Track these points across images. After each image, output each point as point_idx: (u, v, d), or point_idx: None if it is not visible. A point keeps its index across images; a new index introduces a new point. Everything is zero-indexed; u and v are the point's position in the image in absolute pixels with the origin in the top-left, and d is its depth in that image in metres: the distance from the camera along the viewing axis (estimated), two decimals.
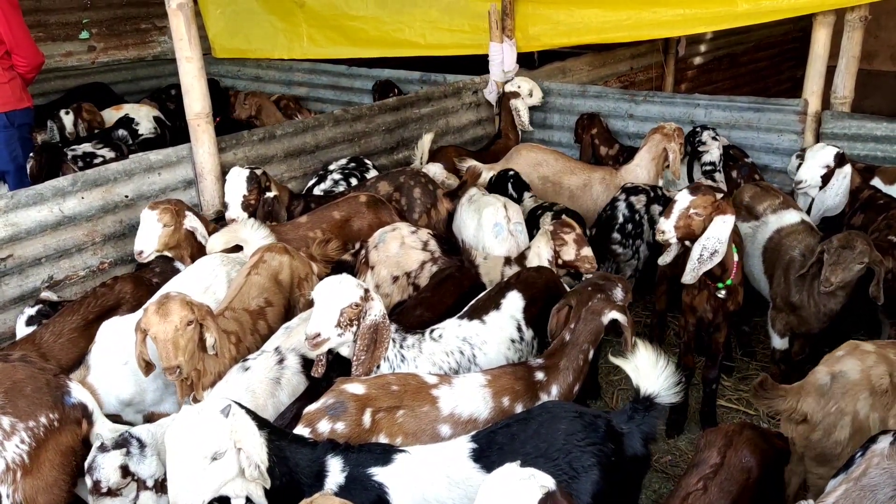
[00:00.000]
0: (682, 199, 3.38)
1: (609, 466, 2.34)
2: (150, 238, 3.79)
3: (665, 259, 3.67)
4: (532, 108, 6.13)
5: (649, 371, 2.50)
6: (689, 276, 3.40)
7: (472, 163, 5.27)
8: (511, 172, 5.09)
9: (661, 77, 7.91)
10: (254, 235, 3.87)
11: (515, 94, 6.00)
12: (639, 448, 2.44)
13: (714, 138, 4.96)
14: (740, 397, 4.22)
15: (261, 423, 2.29)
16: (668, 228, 3.38)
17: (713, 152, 4.95)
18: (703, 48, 8.49)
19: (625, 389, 4.26)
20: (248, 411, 2.30)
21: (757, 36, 8.93)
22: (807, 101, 5.02)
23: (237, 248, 3.94)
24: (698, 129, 5.04)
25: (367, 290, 2.85)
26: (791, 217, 4.09)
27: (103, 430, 2.73)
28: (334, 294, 2.80)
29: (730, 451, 2.35)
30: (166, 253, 3.89)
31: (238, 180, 4.28)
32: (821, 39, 4.95)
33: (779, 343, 3.91)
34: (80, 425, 2.69)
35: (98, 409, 2.77)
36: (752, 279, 4.11)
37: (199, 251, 3.93)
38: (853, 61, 4.98)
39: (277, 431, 2.35)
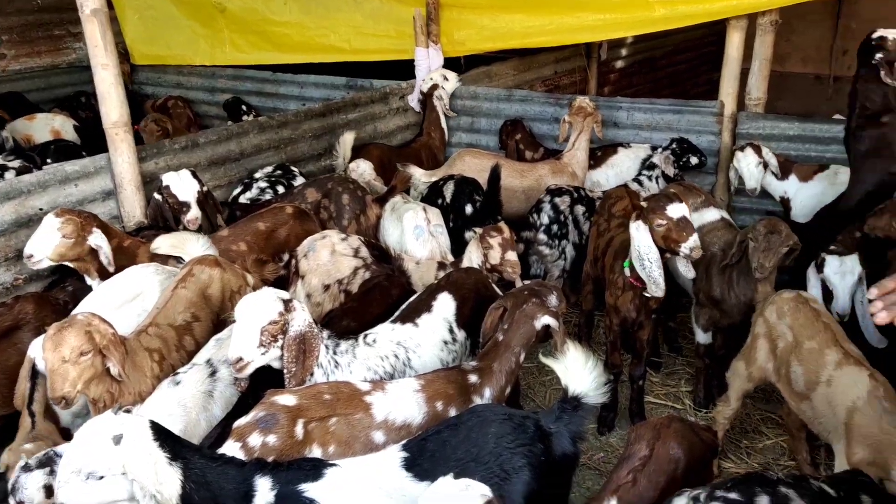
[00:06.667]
0: (685, 209, 3.45)
1: (539, 466, 2.36)
2: (43, 245, 3.60)
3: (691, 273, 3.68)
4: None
5: (578, 371, 2.53)
6: (661, 288, 3.50)
7: (411, 168, 5.26)
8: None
9: (584, 80, 8.07)
10: (200, 252, 3.74)
11: (434, 87, 6.04)
12: (568, 447, 2.47)
13: (666, 155, 5.09)
14: (668, 392, 4.33)
15: (176, 450, 2.20)
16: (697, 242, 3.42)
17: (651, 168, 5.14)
18: (624, 52, 8.70)
19: (557, 389, 4.32)
20: (166, 438, 2.20)
21: (675, 40, 9.20)
22: (723, 103, 5.20)
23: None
24: (672, 142, 5.17)
25: (287, 302, 2.80)
26: (711, 215, 4.24)
27: None
28: (252, 313, 2.74)
29: (658, 443, 2.41)
30: (68, 264, 3.72)
31: (186, 179, 4.14)
32: (734, 43, 5.14)
33: (703, 338, 4.04)
34: None
35: None
36: (676, 276, 4.23)
37: (103, 270, 3.74)
38: (765, 64, 5.18)
39: (201, 454, 2.27)
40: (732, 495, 2.06)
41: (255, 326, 2.73)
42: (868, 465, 2.70)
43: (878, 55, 4.14)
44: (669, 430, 2.44)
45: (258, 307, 2.75)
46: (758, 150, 4.78)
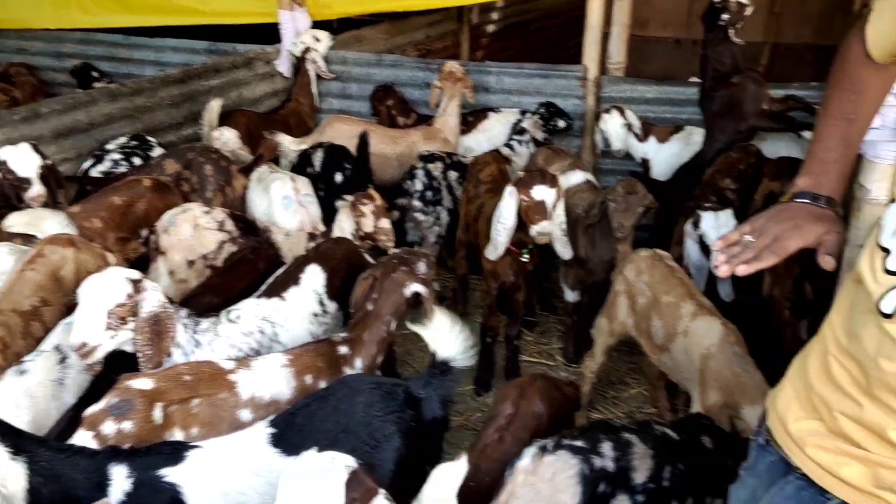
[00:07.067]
0: (549, 195, 3.45)
1: (409, 432, 2.37)
2: None
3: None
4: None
5: (445, 336, 2.55)
6: (496, 253, 3.54)
7: (279, 136, 5.09)
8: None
9: (457, 45, 8.06)
10: (56, 230, 3.45)
11: (307, 50, 5.86)
12: (438, 411, 2.49)
13: (535, 119, 5.13)
14: (541, 350, 4.46)
15: (18, 444, 2.06)
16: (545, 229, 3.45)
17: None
18: (495, 16, 8.74)
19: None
20: (6, 431, 2.06)
21: (545, 4, 9.33)
22: (586, 68, 5.32)
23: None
24: (540, 106, 5.21)
25: (136, 282, 2.66)
26: (577, 177, 4.35)
27: None
28: (97, 295, 2.59)
29: (523, 401, 2.49)
30: None
31: (26, 152, 3.79)
32: (595, 9, 5.24)
33: (571, 296, 4.17)
34: None
35: None
36: None
37: None
38: (624, 29, 5.34)
39: (48, 447, 2.14)
40: (578, 442, 2.15)
41: (100, 309, 2.57)
42: (721, 407, 2.88)
43: (724, 16, 4.36)
44: (533, 387, 2.52)
45: (104, 288, 2.59)
46: (622, 113, 4.94)
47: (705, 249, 3.62)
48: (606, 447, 2.14)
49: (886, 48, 1.43)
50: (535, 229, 3.45)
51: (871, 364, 1.21)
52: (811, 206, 1.63)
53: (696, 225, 3.62)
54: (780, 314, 3.42)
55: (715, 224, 3.59)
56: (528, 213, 3.46)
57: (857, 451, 1.23)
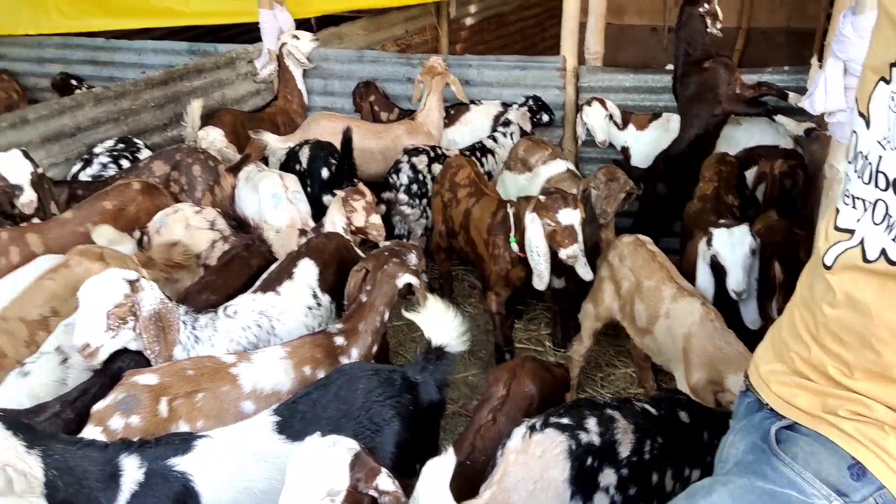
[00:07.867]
0: (576, 217, 3.44)
1: (408, 416, 2.47)
2: None
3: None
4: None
5: (439, 323, 2.65)
6: (545, 283, 3.57)
7: (264, 135, 5.13)
8: None
9: (436, 39, 8.12)
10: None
11: (283, 45, 5.87)
12: (434, 395, 2.59)
13: (524, 111, 5.20)
14: (530, 336, 4.57)
15: (32, 438, 2.11)
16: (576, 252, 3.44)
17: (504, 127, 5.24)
18: (473, 9, 8.80)
19: None
20: (18, 426, 2.11)
21: None
22: (565, 58, 5.40)
23: None
24: (527, 99, 5.26)
25: (133, 282, 2.73)
26: (558, 167, 4.47)
27: None
28: (95, 297, 2.66)
29: (514, 382, 2.58)
30: None
31: (18, 159, 3.79)
32: (572, 0, 5.34)
33: (557, 283, 4.25)
34: None
35: None
36: None
37: None
38: (601, 19, 5.42)
39: (58, 440, 2.20)
40: (564, 420, 2.23)
41: (100, 310, 2.64)
42: (706, 384, 2.99)
43: (701, 9, 4.47)
44: (523, 369, 2.61)
45: (101, 290, 2.66)
46: (603, 104, 5.03)
47: (717, 268, 3.41)
48: (591, 423, 2.23)
49: None
50: (564, 252, 3.43)
51: (818, 311, 1.43)
52: None
53: (709, 243, 3.42)
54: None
55: (728, 241, 3.36)
56: (556, 237, 3.43)
57: (808, 384, 1.46)
